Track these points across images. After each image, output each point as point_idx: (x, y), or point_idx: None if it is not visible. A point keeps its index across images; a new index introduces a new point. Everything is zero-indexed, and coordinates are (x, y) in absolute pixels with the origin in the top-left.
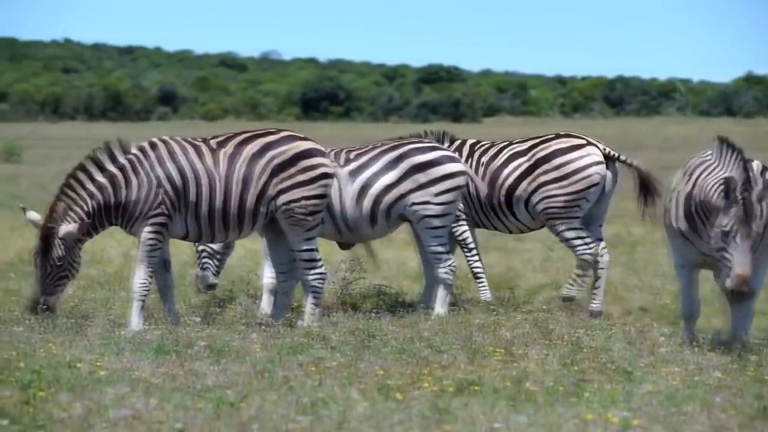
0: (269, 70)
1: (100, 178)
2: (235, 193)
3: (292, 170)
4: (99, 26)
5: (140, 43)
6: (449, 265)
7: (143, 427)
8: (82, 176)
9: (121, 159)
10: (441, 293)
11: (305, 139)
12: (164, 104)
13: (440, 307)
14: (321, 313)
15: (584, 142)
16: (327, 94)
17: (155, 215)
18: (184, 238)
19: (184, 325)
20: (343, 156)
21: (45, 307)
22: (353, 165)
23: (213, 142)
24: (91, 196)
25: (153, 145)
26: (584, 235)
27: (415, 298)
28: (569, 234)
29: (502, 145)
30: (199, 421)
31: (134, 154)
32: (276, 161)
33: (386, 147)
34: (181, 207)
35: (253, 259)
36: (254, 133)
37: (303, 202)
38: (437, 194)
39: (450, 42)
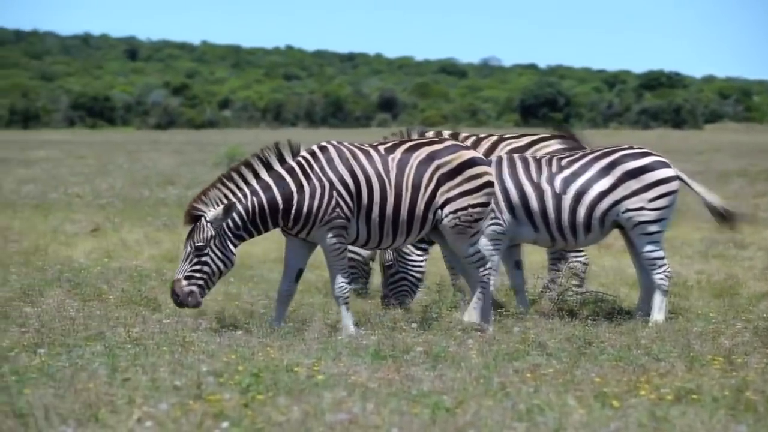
0: (489, 77)
1: (265, 176)
2: (405, 200)
3: (458, 179)
4: (321, 33)
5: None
6: (665, 271)
7: None
8: (245, 171)
9: (290, 161)
10: (658, 300)
11: (468, 147)
12: (384, 111)
13: (657, 313)
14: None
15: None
16: (546, 100)
17: (333, 219)
18: (353, 242)
19: (401, 331)
20: (555, 163)
21: (179, 301)
22: (566, 172)
23: (381, 148)
24: (254, 192)
25: (323, 149)
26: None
27: (632, 305)
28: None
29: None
30: (416, 426)
31: (303, 157)
32: (442, 170)
33: (598, 154)
34: (355, 211)
35: None
36: (420, 141)
37: (469, 210)
38: (651, 200)
39: (672, 47)
